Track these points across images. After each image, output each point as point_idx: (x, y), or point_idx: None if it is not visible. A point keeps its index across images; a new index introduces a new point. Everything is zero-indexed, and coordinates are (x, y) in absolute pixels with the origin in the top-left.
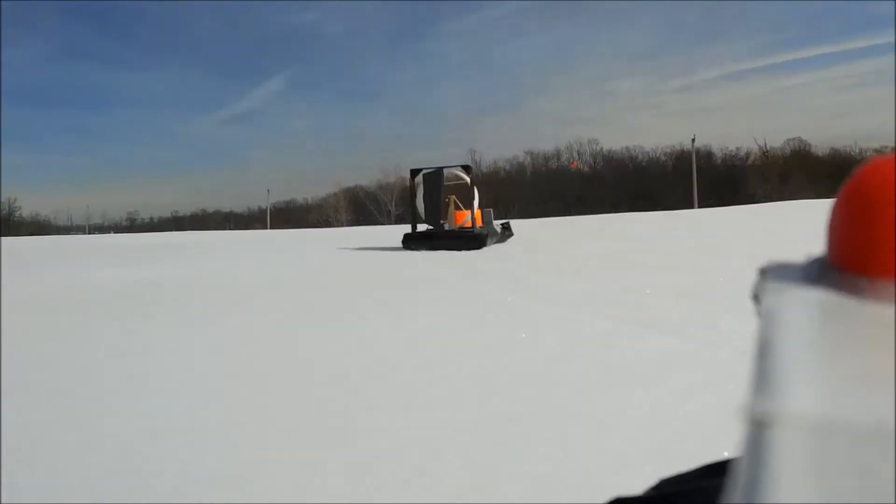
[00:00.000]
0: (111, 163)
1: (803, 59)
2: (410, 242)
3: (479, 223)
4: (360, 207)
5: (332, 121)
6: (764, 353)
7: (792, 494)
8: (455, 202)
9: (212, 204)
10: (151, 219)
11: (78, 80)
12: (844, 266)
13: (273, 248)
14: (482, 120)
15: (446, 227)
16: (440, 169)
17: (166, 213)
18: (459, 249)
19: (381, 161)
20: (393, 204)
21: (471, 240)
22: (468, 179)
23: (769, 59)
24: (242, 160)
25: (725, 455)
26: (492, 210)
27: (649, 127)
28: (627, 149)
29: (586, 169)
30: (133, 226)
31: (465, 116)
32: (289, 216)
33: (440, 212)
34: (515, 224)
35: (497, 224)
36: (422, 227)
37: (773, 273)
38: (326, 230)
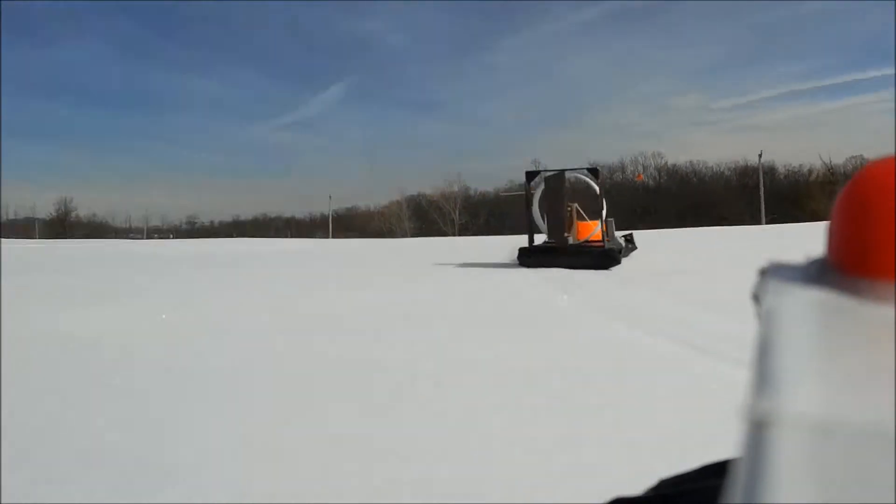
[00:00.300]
0: (171, 165)
1: (863, 81)
2: (528, 258)
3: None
4: (423, 216)
5: (393, 129)
6: (764, 354)
7: (792, 494)
8: (578, 211)
9: (273, 209)
10: (212, 223)
11: (138, 82)
12: (844, 267)
13: (375, 267)
14: (545, 132)
15: (570, 240)
16: (562, 172)
17: (227, 218)
18: (587, 268)
19: (443, 170)
20: (457, 213)
21: (601, 257)
22: (596, 186)
23: (829, 80)
24: (304, 166)
25: (725, 455)
26: (613, 220)
27: (708, 143)
28: (691, 163)
29: (650, 182)
30: (193, 230)
31: (528, 128)
32: (350, 223)
33: (564, 223)
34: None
35: (619, 236)
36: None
37: (774, 274)
38: (408, 241)
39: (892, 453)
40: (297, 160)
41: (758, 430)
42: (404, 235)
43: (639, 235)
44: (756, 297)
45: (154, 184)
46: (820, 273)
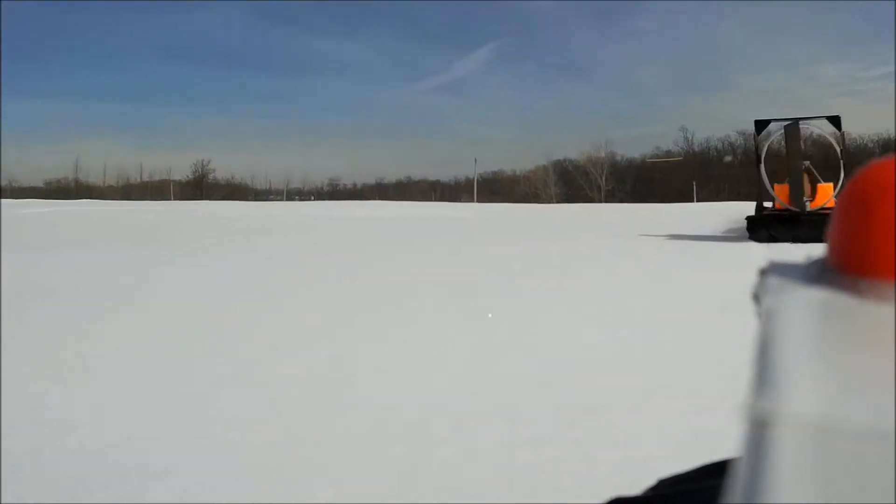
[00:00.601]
0: (313, 128)
1: None
2: (760, 229)
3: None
4: (569, 181)
5: (540, 92)
6: (764, 353)
7: (792, 494)
8: (810, 171)
9: (417, 172)
10: (354, 185)
11: (280, 45)
12: (844, 267)
13: (584, 243)
14: (691, 98)
15: (807, 206)
16: (797, 122)
17: (370, 180)
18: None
19: (590, 135)
20: (603, 179)
21: None
22: (836, 140)
23: None
24: (449, 129)
25: (724, 455)
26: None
27: (854, 114)
28: (834, 134)
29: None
30: (335, 191)
31: (673, 94)
32: (495, 187)
33: (802, 184)
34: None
35: None
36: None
37: (774, 273)
38: (573, 208)
39: (892, 453)
40: (442, 123)
41: (758, 430)
42: (549, 200)
43: None
44: (756, 297)
45: (296, 146)
46: (820, 273)
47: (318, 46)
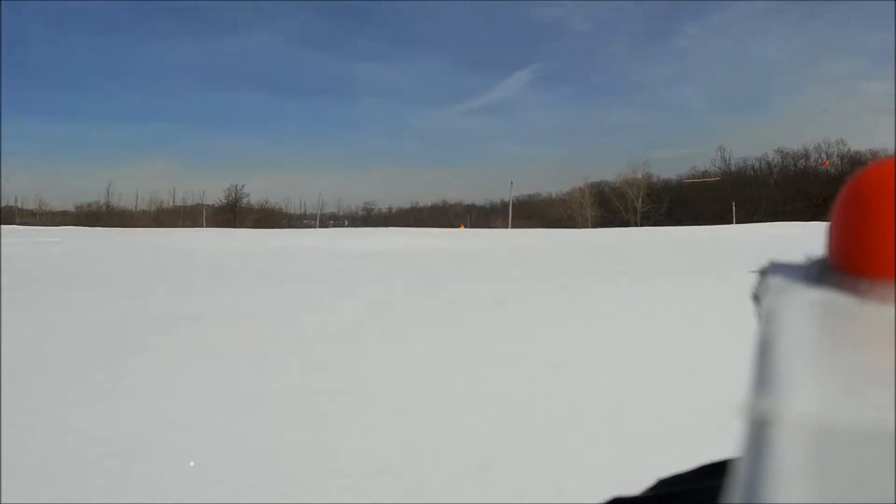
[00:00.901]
0: (349, 151)
1: None
2: None
3: None
4: (605, 203)
5: (578, 114)
6: (764, 353)
7: (792, 494)
8: None
9: (452, 196)
10: (389, 209)
11: (315, 66)
12: (844, 267)
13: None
14: (729, 117)
15: None
16: None
17: (405, 204)
18: None
19: (627, 157)
20: (639, 201)
21: None
22: None
23: None
24: (484, 152)
25: (724, 455)
26: None
27: (891, 130)
28: (872, 151)
29: (832, 170)
30: (369, 216)
31: (712, 114)
32: (531, 210)
33: None
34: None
35: None
36: None
37: (774, 273)
38: (614, 234)
39: (892, 453)
40: (478, 146)
41: (758, 430)
42: (585, 223)
43: None
44: (756, 297)
45: (331, 169)
46: (820, 273)
47: (355, 69)
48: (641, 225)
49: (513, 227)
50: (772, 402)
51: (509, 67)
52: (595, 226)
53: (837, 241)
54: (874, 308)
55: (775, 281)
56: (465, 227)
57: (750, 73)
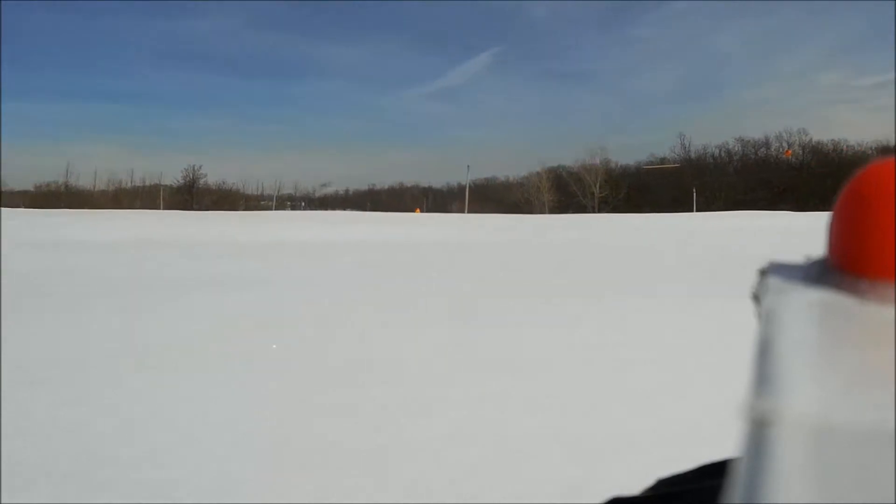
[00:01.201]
0: (306, 133)
1: None
2: None
3: None
4: (563, 188)
5: (536, 99)
6: (764, 353)
7: (792, 494)
8: None
9: (409, 178)
10: (346, 191)
11: (272, 48)
12: (844, 267)
13: None
14: (687, 106)
15: None
16: None
17: (363, 186)
18: None
19: (585, 142)
20: (597, 186)
21: None
22: None
23: None
24: (442, 135)
25: (723, 455)
26: None
27: (850, 121)
28: (833, 141)
29: (794, 160)
30: (325, 198)
31: (671, 102)
32: (488, 194)
33: None
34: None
35: None
36: None
37: (774, 273)
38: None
39: (892, 453)
40: (436, 129)
41: (758, 430)
42: (543, 208)
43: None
44: (756, 297)
45: (289, 150)
46: (820, 273)
47: (312, 51)
48: (599, 211)
49: (469, 211)
50: (772, 403)
51: (468, 51)
52: (552, 211)
53: (837, 241)
54: (874, 308)
55: (775, 281)
56: (421, 211)
57: (709, 62)
